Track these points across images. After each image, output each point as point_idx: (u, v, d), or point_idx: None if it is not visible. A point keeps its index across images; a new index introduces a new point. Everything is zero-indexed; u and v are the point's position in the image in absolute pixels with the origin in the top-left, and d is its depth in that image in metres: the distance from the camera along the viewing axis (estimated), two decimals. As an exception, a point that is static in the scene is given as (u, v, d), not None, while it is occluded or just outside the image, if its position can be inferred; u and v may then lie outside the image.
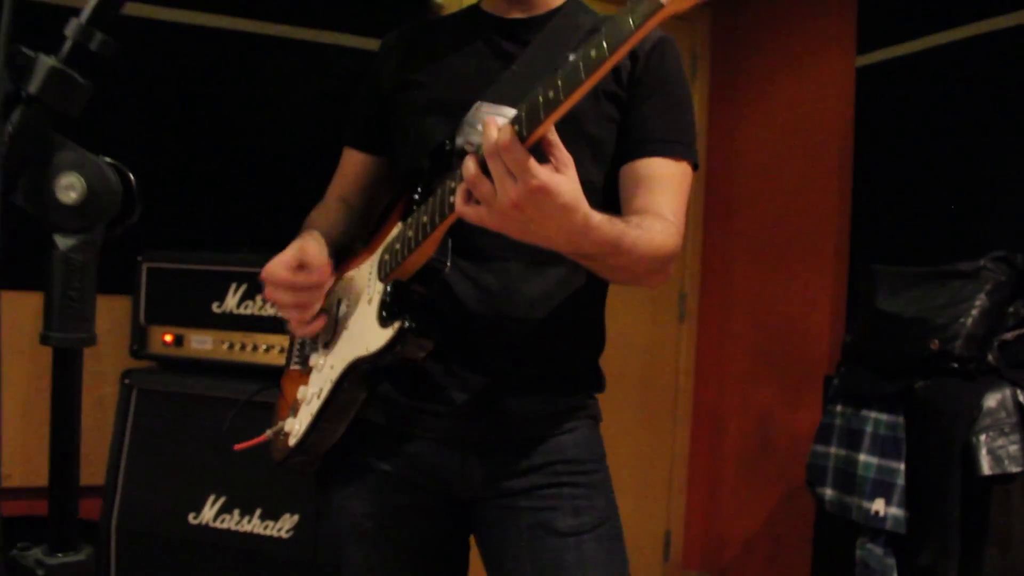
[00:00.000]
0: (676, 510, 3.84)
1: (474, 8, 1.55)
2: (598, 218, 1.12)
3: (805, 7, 3.49)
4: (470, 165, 1.07)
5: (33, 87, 0.69)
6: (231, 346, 2.54)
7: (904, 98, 3.05)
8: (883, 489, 2.33)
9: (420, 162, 1.41)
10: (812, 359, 3.26)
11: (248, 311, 2.54)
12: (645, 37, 1.41)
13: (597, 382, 1.54)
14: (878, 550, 2.33)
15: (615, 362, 3.53)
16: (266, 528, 2.42)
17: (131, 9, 2.79)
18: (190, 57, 2.96)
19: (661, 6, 0.96)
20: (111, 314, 2.75)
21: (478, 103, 1.38)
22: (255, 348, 2.53)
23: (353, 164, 1.61)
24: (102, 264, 2.25)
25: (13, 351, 2.77)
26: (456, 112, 1.40)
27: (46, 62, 0.70)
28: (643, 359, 3.71)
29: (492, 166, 1.03)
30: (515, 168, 1.02)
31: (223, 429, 2.09)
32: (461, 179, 1.10)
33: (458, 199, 1.11)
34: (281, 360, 2.45)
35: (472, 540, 1.52)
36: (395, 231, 1.36)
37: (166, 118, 2.93)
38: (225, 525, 2.44)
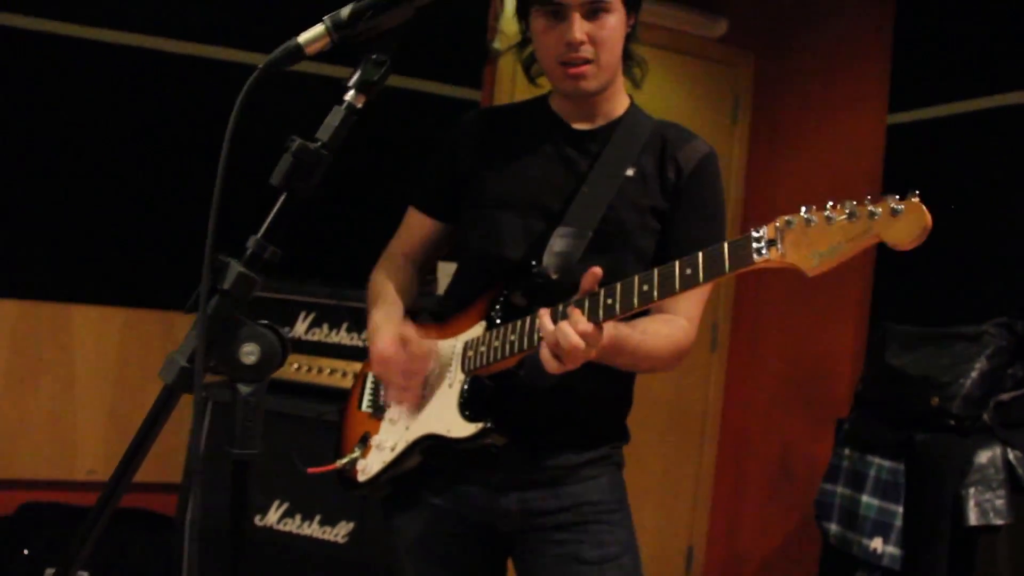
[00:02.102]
0: (699, 527, 4.08)
1: (544, 103, 1.77)
2: (609, 328, 1.41)
3: (842, 62, 3.68)
4: (565, 337, 1.34)
5: (226, 284, 1.00)
6: (299, 368, 2.83)
7: (931, 159, 3.24)
8: (882, 529, 2.55)
9: (498, 263, 1.65)
10: (834, 397, 3.47)
11: (315, 337, 2.83)
12: (692, 151, 1.66)
13: (622, 436, 1.78)
14: (875, 584, 2.56)
15: (649, 385, 3.80)
16: (324, 533, 2.71)
17: (210, 52, 3.11)
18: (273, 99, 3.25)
19: (753, 262, 1.25)
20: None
21: (557, 229, 1.62)
22: (320, 371, 2.82)
23: (419, 225, 1.83)
24: (184, 286, 2.57)
25: (102, 363, 3.10)
26: (524, 210, 1.65)
27: (236, 267, 1.00)
28: (675, 384, 3.94)
29: (582, 347, 1.34)
30: (595, 342, 1.34)
31: (291, 453, 2.42)
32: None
33: (546, 359, 1.38)
34: (342, 383, 2.76)
35: (510, 564, 1.79)
36: (478, 330, 1.61)
37: (244, 156, 3.22)
38: (287, 528, 2.74)
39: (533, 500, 1.65)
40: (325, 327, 2.83)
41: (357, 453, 1.74)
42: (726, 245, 1.27)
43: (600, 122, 1.71)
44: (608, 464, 1.72)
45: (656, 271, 1.33)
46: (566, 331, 1.33)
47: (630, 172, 1.65)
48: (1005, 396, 2.53)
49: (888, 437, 2.61)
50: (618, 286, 1.35)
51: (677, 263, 1.31)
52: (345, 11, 1.00)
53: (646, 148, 1.68)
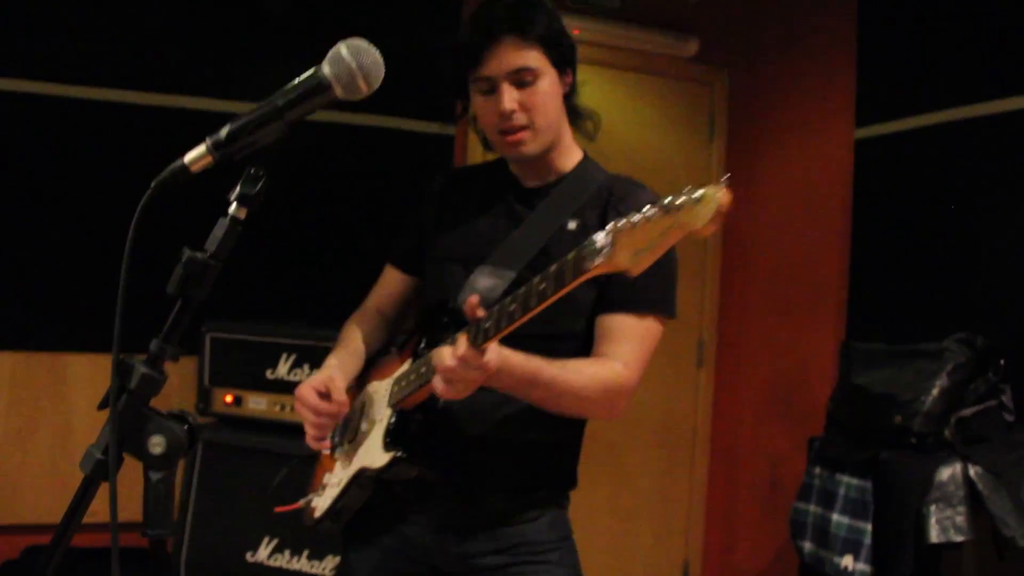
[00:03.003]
0: (695, 541, 4.13)
1: (503, 164, 1.83)
2: (515, 359, 1.46)
3: (811, 78, 3.73)
4: (441, 359, 1.39)
5: (132, 384, 1.10)
6: (282, 407, 2.93)
7: (899, 172, 3.28)
8: (852, 546, 2.60)
9: (433, 305, 1.73)
10: (819, 408, 3.51)
11: (297, 378, 2.92)
12: (635, 201, 1.69)
13: (566, 482, 1.83)
14: (847, 601, 2.61)
15: (637, 403, 3.85)
16: (312, 567, 2.81)
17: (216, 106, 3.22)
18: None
19: (587, 269, 1.25)
20: (181, 373, 3.18)
21: (480, 267, 1.69)
22: (303, 409, 2.91)
23: (393, 280, 1.93)
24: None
25: (96, 409, 3.20)
26: (469, 264, 1.73)
27: (139, 369, 1.10)
28: (664, 400, 4.01)
29: (460, 369, 1.38)
30: (476, 364, 1.37)
31: (270, 488, 2.51)
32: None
33: (435, 383, 1.43)
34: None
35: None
36: (406, 366, 1.69)
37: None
38: (278, 564, 2.83)
39: (471, 542, 1.72)
40: (307, 367, 2.92)
41: (316, 493, 1.84)
42: (571, 255, 1.29)
43: (551, 178, 1.77)
44: (548, 505, 1.77)
45: (521, 290, 1.36)
46: (443, 353, 1.38)
47: (572, 225, 1.70)
48: (967, 412, 2.57)
49: (855, 455, 2.66)
50: (495, 309, 1.38)
51: (535, 279, 1.34)
52: (224, 131, 1.08)
53: (591, 202, 1.72)
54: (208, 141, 1.08)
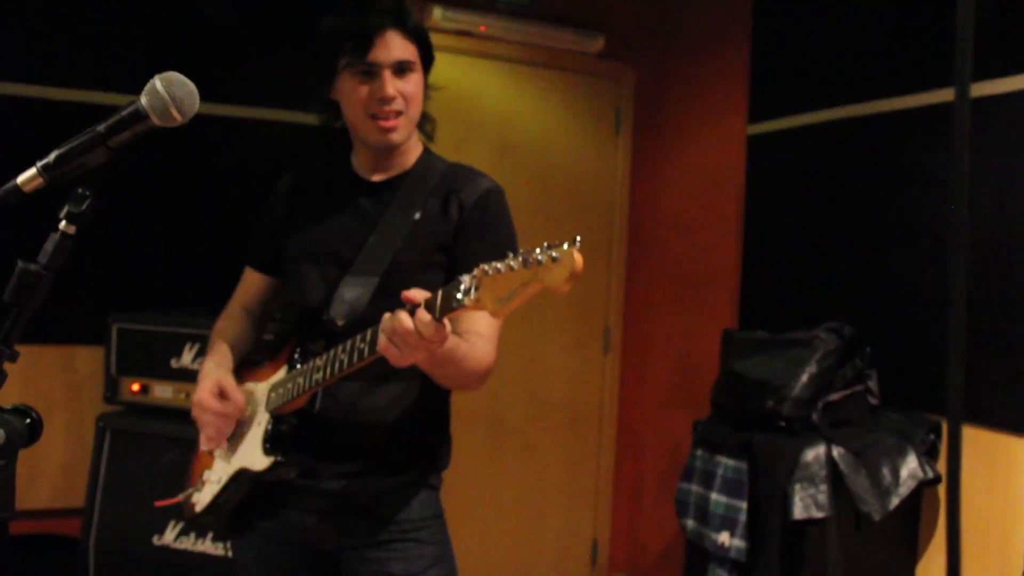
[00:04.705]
0: (603, 521, 4.28)
1: (346, 161, 1.93)
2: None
3: (710, 75, 3.87)
4: (405, 322, 1.42)
5: None
6: (187, 395, 3.01)
7: (787, 167, 3.44)
8: (729, 523, 2.75)
9: (299, 311, 1.84)
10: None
11: (199, 367, 2.99)
12: (473, 188, 1.82)
13: (435, 463, 1.94)
14: (724, 575, 2.77)
15: (546, 389, 4.01)
16: (216, 548, 2.90)
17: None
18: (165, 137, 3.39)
19: (452, 307, 1.36)
20: (89, 362, 3.23)
21: (345, 278, 1.78)
22: (207, 397, 2.99)
23: (253, 281, 2.03)
24: (80, 320, 2.71)
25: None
26: (321, 261, 1.83)
27: None
28: (571, 387, 4.13)
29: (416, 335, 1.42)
30: (434, 336, 1.42)
31: (162, 466, 2.62)
32: (345, 350, 1.58)
33: (383, 343, 1.46)
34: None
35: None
36: (281, 374, 1.80)
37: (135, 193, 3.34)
38: (183, 546, 2.92)
39: (347, 523, 1.83)
40: (209, 356, 3.00)
41: (196, 488, 1.93)
42: (441, 290, 1.39)
43: (394, 172, 1.87)
44: (419, 486, 1.88)
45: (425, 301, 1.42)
46: (402, 318, 1.42)
47: (418, 216, 1.81)
48: (834, 396, 2.74)
49: (732, 438, 2.82)
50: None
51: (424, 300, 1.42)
52: (52, 155, 1.17)
53: (433, 191, 1.83)
54: (38, 164, 1.16)
